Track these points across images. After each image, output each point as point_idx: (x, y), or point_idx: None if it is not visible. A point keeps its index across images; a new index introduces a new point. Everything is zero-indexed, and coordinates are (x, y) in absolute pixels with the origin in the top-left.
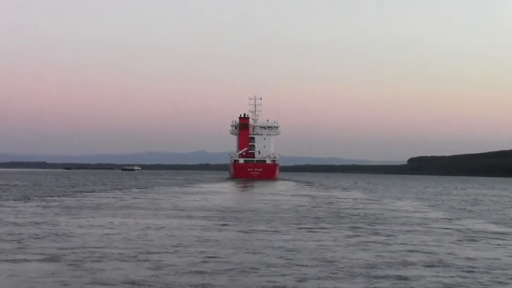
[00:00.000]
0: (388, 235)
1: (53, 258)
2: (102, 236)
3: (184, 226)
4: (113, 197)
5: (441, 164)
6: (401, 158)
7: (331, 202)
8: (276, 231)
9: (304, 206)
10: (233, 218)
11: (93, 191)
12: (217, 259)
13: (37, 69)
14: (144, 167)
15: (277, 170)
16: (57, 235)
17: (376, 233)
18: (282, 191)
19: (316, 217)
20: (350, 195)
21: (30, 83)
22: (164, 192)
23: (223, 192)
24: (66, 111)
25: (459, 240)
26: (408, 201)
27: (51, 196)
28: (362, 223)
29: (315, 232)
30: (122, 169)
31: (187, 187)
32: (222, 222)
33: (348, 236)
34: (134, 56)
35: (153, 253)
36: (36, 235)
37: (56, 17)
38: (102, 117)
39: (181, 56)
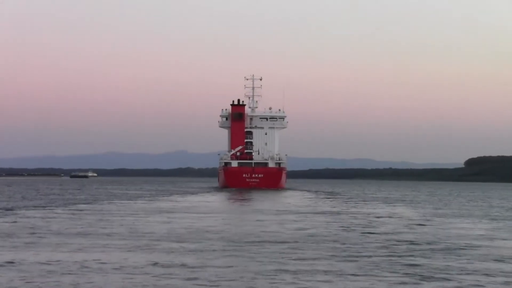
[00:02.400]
0: None
1: None
2: None
3: (135, 269)
4: (41, 217)
5: (510, 167)
6: (457, 159)
7: (371, 225)
8: None
9: (332, 232)
10: (223, 256)
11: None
12: None
13: None
14: (101, 172)
15: (284, 176)
16: None
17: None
18: (293, 208)
19: (362, 257)
20: (395, 212)
21: None
22: (117, 211)
23: (207, 211)
24: None
25: None
26: (481, 222)
27: None
28: (430, 262)
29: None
30: (71, 176)
31: (156, 201)
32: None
33: None
34: (83, 32)
35: None
36: None
37: None
38: (44, 109)
39: (150, 28)
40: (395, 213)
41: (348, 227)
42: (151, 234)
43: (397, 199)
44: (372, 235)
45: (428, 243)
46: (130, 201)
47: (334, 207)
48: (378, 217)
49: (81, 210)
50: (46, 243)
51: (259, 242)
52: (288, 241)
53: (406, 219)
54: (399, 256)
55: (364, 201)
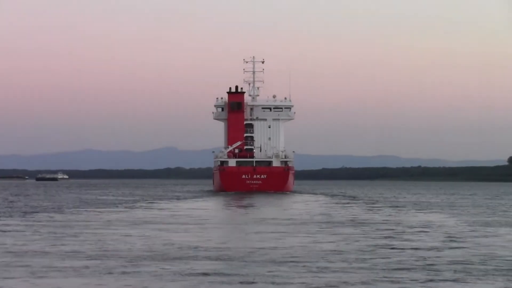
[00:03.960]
0: None
1: None
2: None
3: None
4: None
5: None
6: (498, 155)
7: (404, 237)
8: None
9: (357, 248)
10: (215, 283)
11: None
12: None
13: None
14: (74, 174)
15: (291, 177)
16: None
17: None
18: (303, 216)
19: (402, 280)
20: (431, 220)
21: None
22: (86, 223)
23: (197, 222)
24: None
25: None
26: None
27: None
28: None
29: None
30: (37, 179)
31: (136, 209)
32: None
33: None
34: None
35: None
36: None
37: None
38: (4, 100)
39: (129, 6)
40: (432, 222)
41: (376, 239)
42: (126, 253)
43: (431, 204)
44: (408, 251)
45: (482, 263)
46: (104, 210)
47: (356, 215)
48: (411, 227)
49: (40, 221)
50: None
51: (263, 261)
52: (300, 260)
53: (447, 229)
54: (444, 280)
55: (391, 206)
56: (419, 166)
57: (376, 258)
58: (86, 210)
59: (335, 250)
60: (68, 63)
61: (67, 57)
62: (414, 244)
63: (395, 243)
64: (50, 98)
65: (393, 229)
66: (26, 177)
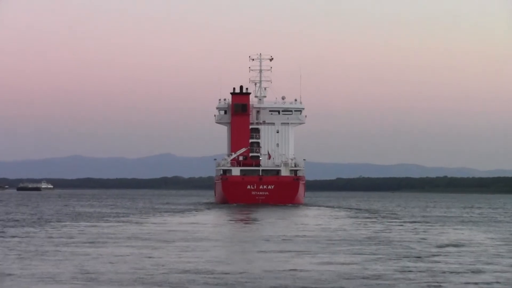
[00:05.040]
0: None
1: None
2: None
3: None
4: None
5: None
6: None
7: (430, 259)
8: None
9: (385, 271)
10: None
11: None
12: None
13: None
14: (60, 183)
15: (301, 188)
16: None
17: None
18: (317, 232)
19: None
20: (463, 238)
21: None
22: (67, 239)
23: (195, 238)
24: None
25: None
26: None
27: None
28: None
29: None
30: (19, 188)
31: (126, 223)
32: None
33: None
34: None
35: None
36: None
37: None
38: None
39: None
40: (463, 240)
41: (401, 260)
42: (109, 276)
43: (462, 219)
44: (439, 275)
45: None
46: (89, 224)
47: (376, 231)
48: (440, 246)
49: (13, 237)
50: None
51: None
52: (315, 286)
53: (480, 248)
54: None
55: (415, 221)
56: (445, 176)
57: (402, 284)
58: (68, 225)
59: (354, 274)
60: (55, 64)
61: (54, 57)
62: (445, 267)
63: (422, 264)
64: (34, 99)
65: (420, 248)
66: (6, 186)
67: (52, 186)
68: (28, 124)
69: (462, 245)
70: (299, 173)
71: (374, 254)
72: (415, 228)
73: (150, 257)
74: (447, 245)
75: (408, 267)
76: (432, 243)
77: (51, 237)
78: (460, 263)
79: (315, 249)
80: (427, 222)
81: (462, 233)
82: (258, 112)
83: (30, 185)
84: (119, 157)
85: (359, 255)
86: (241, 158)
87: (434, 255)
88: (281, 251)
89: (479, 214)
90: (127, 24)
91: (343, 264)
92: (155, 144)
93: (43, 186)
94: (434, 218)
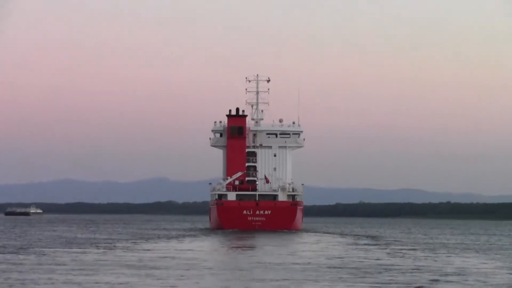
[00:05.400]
0: None
1: None
2: None
3: None
4: None
5: None
6: None
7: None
8: None
9: None
10: None
11: None
12: None
13: None
14: (50, 208)
15: (299, 214)
16: None
17: None
18: (317, 260)
19: None
20: (466, 266)
21: None
22: (50, 266)
23: (188, 266)
24: None
25: None
26: None
27: None
28: None
29: None
30: (7, 213)
31: (115, 250)
32: None
33: None
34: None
35: None
36: None
37: None
38: None
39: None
40: (468, 268)
41: None
42: None
43: (465, 246)
44: None
45: None
46: (76, 250)
47: (378, 259)
48: (444, 274)
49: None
50: None
51: None
52: None
53: (486, 277)
54: None
55: (418, 249)
56: (449, 202)
57: None
58: (55, 250)
59: None
60: (43, 81)
61: (42, 74)
62: None
63: None
64: (22, 118)
65: (425, 277)
66: None
67: (41, 211)
68: (15, 145)
69: (466, 274)
70: (297, 198)
71: (376, 283)
72: (418, 256)
73: (140, 287)
74: (450, 273)
75: None
76: (436, 270)
77: (39, 263)
78: None
79: (314, 277)
80: (433, 249)
81: (466, 261)
82: (254, 135)
83: (19, 210)
84: (110, 180)
85: (361, 284)
86: (237, 182)
87: (438, 282)
88: (279, 279)
89: (483, 240)
90: (119, 45)
91: None
92: (148, 167)
93: (32, 211)
94: (438, 244)
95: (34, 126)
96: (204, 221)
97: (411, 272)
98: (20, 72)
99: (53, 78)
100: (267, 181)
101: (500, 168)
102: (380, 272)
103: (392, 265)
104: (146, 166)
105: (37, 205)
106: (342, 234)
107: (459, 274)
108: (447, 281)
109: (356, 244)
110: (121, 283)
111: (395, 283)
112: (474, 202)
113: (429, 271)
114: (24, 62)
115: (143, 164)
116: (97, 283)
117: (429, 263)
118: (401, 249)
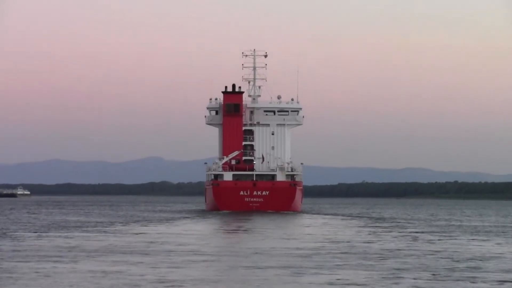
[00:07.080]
0: None
1: None
2: None
3: None
4: None
5: None
6: None
7: (452, 275)
8: None
9: None
10: None
11: None
12: None
13: None
14: (38, 189)
15: (298, 194)
16: None
17: None
18: (319, 244)
19: None
20: (484, 250)
21: None
22: (34, 251)
23: (180, 252)
24: None
25: None
26: None
27: None
28: None
29: None
30: None
31: (103, 234)
32: None
33: None
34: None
35: None
36: None
37: None
38: None
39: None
40: (486, 253)
41: (420, 279)
42: None
43: (479, 228)
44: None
45: None
46: (63, 234)
47: (386, 242)
48: (461, 260)
49: None
50: None
51: None
52: None
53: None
54: None
55: (429, 232)
56: (456, 182)
57: None
58: (39, 235)
59: None
60: (32, 64)
61: (31, 57)
62: (472, 286)
63: (445, 285)
64: (8, 100)
65: (440, 263)
66: None
67: (29, 192)
68: (2, 126)
69: (485, 259)
70: (296, 178)
71: (388, 269)
72: (430, 240)
73: (127, 274)
74: (468, 259)
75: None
76: (452, 255)
77: (21, 250)
78: (483, 280)
79: (317, 264)
80: (444, 232)
81: (486, 244)
82: (251, 112)
83: (5, 191)
84: (102, 160)
85: (370, 271)
86: (233, 162)
87: (455, 269)
88: (279, 267)
89: (496, 222)
90: (113, 24)
91: (352, 284)
92: (142, 146)
93: (19, 192)
94: (449, 226)
95: (20, 107)
96: (199, 202)
97: (424, 257)
98: (7, 57)
99: (39, 60)
100: (263, 160)
101: (509, 147)
102: (388, 258)
103: (401, 248)
104: (139, 146)
105: (25, 186)
106: (344, 216)
107: (478, 258)
108: (467, 267)
109: (361, 226)
110: (103, 272)
111: (411, 268)
112: (482, 181)
113: (444, 254)
114: (13, 45)
115: (136, 143)
116: (72, 272)
117: (442, 247)
118: (409, 232)
